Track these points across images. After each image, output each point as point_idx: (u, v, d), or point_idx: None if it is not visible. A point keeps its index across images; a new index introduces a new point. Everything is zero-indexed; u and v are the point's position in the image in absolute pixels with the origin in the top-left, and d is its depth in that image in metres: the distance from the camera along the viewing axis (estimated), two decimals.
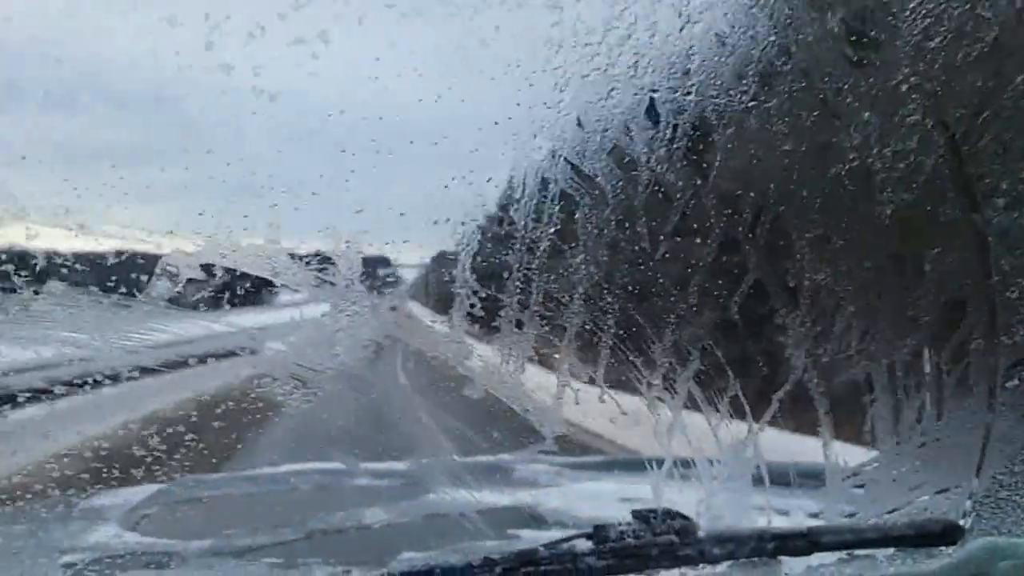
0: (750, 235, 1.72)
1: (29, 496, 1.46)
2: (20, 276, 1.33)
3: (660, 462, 1.72)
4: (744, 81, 1.58)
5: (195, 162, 1.31)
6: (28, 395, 1.45)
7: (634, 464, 3.08)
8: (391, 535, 2.01)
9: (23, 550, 1.43)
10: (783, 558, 1.40)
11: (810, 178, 1.72)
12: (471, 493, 1.84)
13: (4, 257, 1.31)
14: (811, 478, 1.94)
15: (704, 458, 1.78)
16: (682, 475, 1.74)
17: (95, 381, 1.39)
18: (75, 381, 1.39)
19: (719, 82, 1.58)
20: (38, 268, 1.34)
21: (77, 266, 1.36)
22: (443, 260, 1.67)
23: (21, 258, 1.32)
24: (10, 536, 1.44)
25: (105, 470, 1.51)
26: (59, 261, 1.35)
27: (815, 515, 1.91)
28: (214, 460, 2.09)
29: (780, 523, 1.72)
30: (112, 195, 1.29)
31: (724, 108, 1.59)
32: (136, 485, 2.05)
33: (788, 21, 1.57)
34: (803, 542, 1.41)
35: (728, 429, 1.83)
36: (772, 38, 1.56)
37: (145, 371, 1.43)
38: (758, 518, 1.70)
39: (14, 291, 1.34)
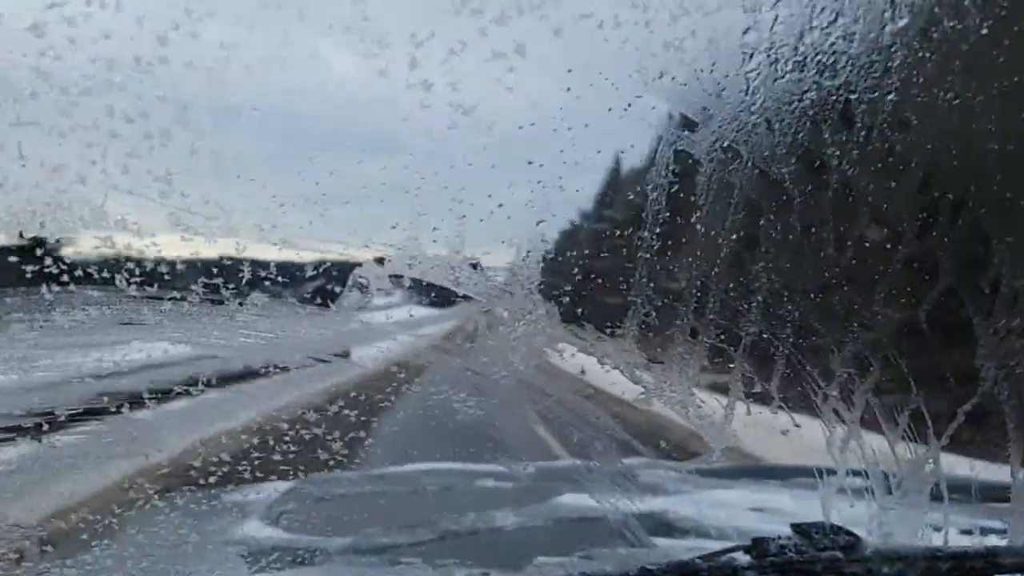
0: (944, 239, 1.61)
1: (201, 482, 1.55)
2: (228, 288, 1.39)
3: (831, 472, 1.65)
4: (948, 78, 1.46)
5: (392, 177, 1.33)
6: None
7: (760, 472, 2.99)
8: (523, 538, 2.01)
9: (187, 541, 1.50)
10: None
11: (1013, 178, 1.59)
12: (598, 498, 1.83)
13: (215, 271, 1.37)
14: (995, 497, 1.82)
15: (879, 470, 1.70)
16: (852, 488, 1.67)
17: None
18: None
19: (921, 79, 1.47)
20: (244, 280, 1.40)
21: (279, 278, 1.41)
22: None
23: (230, 270, 1.38)
24: (172, 526, 1.50)
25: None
26: (263, 274, 1.40)
27: (999, 534, 1.80)
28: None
29: (958, 543, 1.62)
30: (314, 211, 1.33)
31: (926, 106, 1.48)
32: (270, 481, 2.15)
33: (1001, 12, 1.44)
34: (983, 563, 1.33)
35: (907, 443, 1.74)
36: (983, 31, 1.43)
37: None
38: (933, 537, 1.62)
39: (222, 303, 1.40)
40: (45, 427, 1.36)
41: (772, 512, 2.19)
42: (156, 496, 1.47)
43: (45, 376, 1.39)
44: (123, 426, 1.45)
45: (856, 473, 1.65)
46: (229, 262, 1.37)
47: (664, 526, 1.95)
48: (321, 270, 1.42)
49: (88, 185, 1.21)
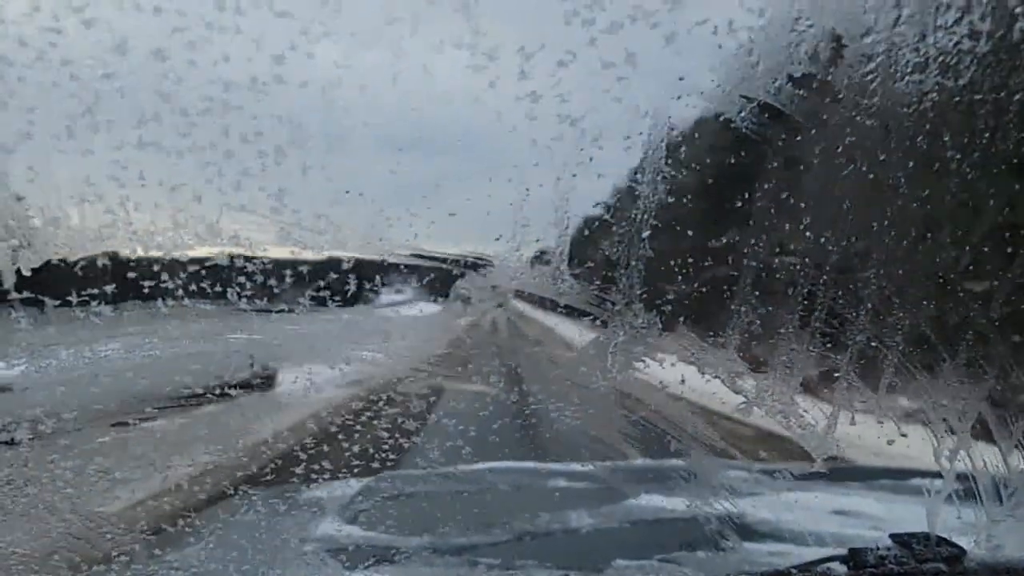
0: None
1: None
2: (334, 299, 1.40)
3: (935, 475, 1.58)
4: None
5: (497, 191, 1.32)
6: None
7: (841, 473, 2.90)
8: (600, 540, 2.00)
9: (265, 538, 1.53)
10: None
11: None
12: (674, 500, 1.80)
13: (321, 284, 1.39)
14: None
15: (989, 478, 1.63)
16: (959, 496, 1.60)
17: None
18: None
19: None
20: (349, 293, 1.41)
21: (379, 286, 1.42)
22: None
23: (335, 281, 1.40)
24: (249, 526, 1.53)
25: None
26: (368, 286, 1.42)
27: None
28: None
29: None
30: (419, 224, 1.33)
31: None
32: (344, 479, 2.18)
33: None
34: None
35: (1020, 453, 1.66)
36: None
37: None
38: None
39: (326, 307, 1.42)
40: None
41: (853, 515, 2.13)
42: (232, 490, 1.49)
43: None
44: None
45: (963, 478, 1.59)
46: (335, 275, 1.38)
47: (743, 528, 1.92)
48: (424, 280, 1.43)
49: (204, 203, 1.24)
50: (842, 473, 2.92)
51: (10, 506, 1.27)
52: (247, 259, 1.31)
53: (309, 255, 1.35)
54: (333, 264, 1.38)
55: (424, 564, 1.64)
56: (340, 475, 1.80)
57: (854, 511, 2.17)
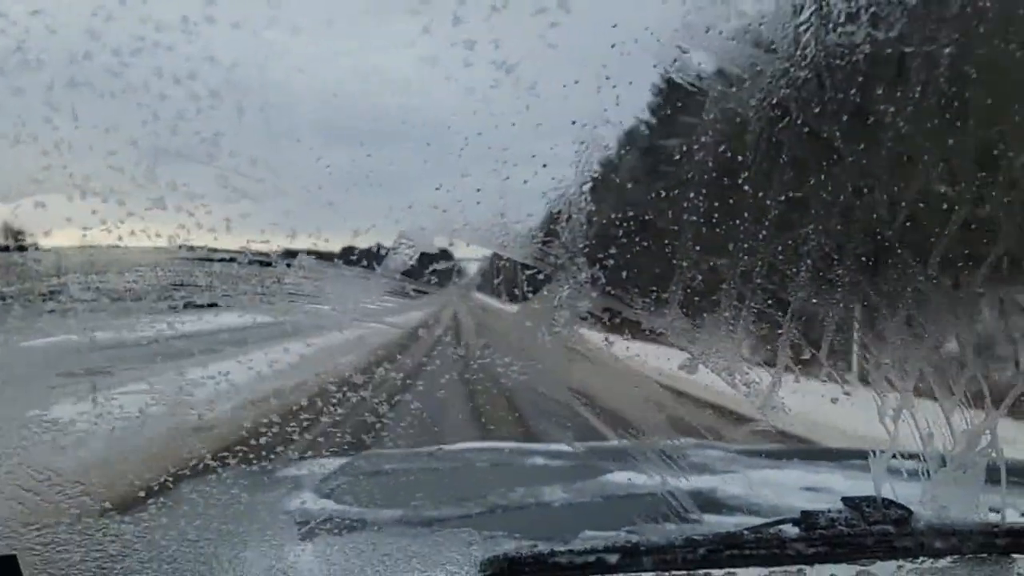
0: (1006, 199, 1.54)
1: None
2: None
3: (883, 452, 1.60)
4: (1011, 29, 1.39)
5: (437, 138, 1.32)
6: None
7: (813, 453, 2.93)
8: (571, 514, 2.02)
9: (239, 509, 1.53)
10: (1017, 556, 1.29)
11: None
12: (646, 476, 1.81)
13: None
14: None
15: (934, 445, 1.64)
16: (907, 469, 1.61)
17: None
18: None
19: (982, 30, 1.40)
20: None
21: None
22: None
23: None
24: (220, 497, 1.53)
25: None
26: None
27: None
28: None
29: (1016, 520, 1.56)
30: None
31: (987, 60, 1.42)
32: (322, 457, 2.18)
33: None
34: None
35: (963, 413, 1.68)
36: None
37: None
38: (990, 515, 1.56)
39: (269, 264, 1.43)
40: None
41: (823, 491, 2.15)
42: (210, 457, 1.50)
43: None
44: None
45: (911, 456, 1.60)
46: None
47: (712, 503, 1.94)
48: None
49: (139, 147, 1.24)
50: (814, 453, 2.94)
51: None
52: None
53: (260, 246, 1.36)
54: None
55: (395, 534, 1.65)
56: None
57: (825, 487, 2.20)
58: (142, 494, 1.45)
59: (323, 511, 1.86)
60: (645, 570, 1.23)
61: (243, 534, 1.45)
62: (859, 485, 1.84)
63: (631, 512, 1.62)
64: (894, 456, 1.58)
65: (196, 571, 1.29)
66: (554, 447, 2.79)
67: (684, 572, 1.24)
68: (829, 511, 1.32)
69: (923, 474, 1.59)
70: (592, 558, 1.21)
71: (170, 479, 1.49)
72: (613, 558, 1.21)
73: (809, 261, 1.58)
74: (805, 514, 1.30)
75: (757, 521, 1.48)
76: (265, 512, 1.70)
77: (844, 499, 1.37)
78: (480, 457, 3.03)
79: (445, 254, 1.57)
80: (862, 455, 2.38)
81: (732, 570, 1.25)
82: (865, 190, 1.53)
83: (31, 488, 1.29)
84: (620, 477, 2.21)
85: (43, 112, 1.17)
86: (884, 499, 1.36)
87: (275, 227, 1.37)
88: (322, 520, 1.68)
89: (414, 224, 1.40)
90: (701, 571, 1.24)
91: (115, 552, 1.31)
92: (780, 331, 1.66)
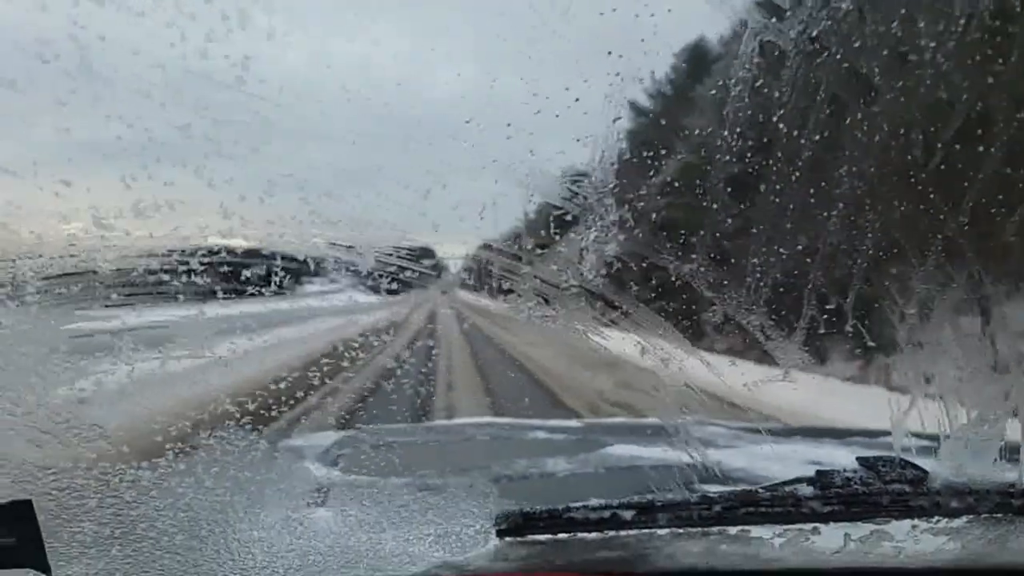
0: None
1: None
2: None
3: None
4: None
5: None
6: None
7: (818, 432, 2.94)
8: (575, 483, 2.03)
9: (268, 459, 1.52)
10: None
11: None
12: (650, 449, 1.81)
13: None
14: None
15: (953, 400, 1.62)
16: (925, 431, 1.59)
17: None
18: None
19: None
20: None
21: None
22: None
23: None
24: (250, 445, 1.51)
25: None
26: None
27: None
28: None
29: None
30: None
31: None
32: (322, 431, 2.17)
33: None
34: None
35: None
36: None
37: None
38: (1008, 475, 1.55)
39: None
40: None
41: (828, 466, 2.18)
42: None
43: None
44: None
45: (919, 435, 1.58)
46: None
47: (717, 476, 1.95)
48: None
49: None
50: (817, 431, 2.96)
51: None
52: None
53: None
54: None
55: (399, 502, 1.64)
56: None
57: (830, 462, 2.22)
58: (159, 439, 1.41)
59: (329, 479, 1.88)
60: (660, 527, 1.24)
61: (260, 483, 1.44)
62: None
63: (635, 482, 1.63)
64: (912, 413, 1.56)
65: (212, 519, 1.29)
66: (552, 423, 2.82)
67: (699, 529, 1.25)
68: (844, 470, 1.32)
69: (942, 435, 1.57)
70: (607, 514, 1.22)
71: (188, 424, 1.45)
72: (628, 514, 1.22)
73: (841, 205, 1.54)
74: (820, 473, 1.29)
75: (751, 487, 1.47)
76: (283, 460, 1.69)
77: (859, 458, 1.36)
78: (480, 431, 3.07)
79: (427, 252, 1.54)
80: (866, 433, 2.40)
81: (747, 527, 1.26)
82: (901, 131, 1.48)
83: (49, 431, 1.25)
84: (621, 450, 2.26)
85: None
86: (901, 459, 1.35)
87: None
88: (329, 487, 1.69)
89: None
90: (716, 528, 1.25)
91: (131, 499, 1.30)
92: (808, 280, 1.62)
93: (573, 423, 2.89)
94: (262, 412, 1.61)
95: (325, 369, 1.82)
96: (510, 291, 1.56)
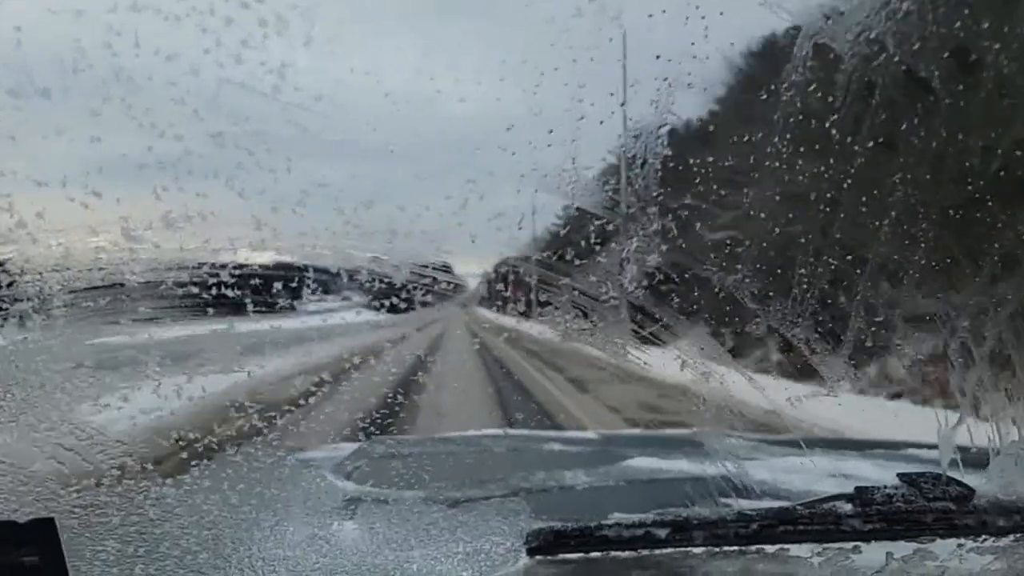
0: None
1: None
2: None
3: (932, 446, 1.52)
4: None
5: None
6: None
7: (834, 443, 2.88)
8: (596, 497, 1.99)
9: (295, 476, 1.52)
10: None
11: None
12: (671, 461, 1.75)
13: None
14: None
15: (1007, 416, 1.55)
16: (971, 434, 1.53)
17: None
18: None
19: None
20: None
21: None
22: None
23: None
24: (277, 462, 1.50)
25: None
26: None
27: None
28: None
29: None
30: None
31: None
32: (335, 443, 2.13)
33: None
34: None
35: None
36: None
37: None
38: None
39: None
40: None
41: (852, 478, 2.12)
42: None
43: None
44: None
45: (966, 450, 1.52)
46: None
47: (741, 488, 1.90)
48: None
49: None
50: (840, 443, 2.90)
51: None
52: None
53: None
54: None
55: (416, 514, 1.60)
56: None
57: (853, 475, 2.16)
58: (184, 455, 1.38)
59: (344, 491, 1.85)
60: (695, 545, 1.19)
61: (285, 499, 1.39)
62: (887, 473, 1.79)
63: (659, 495, 1.59)
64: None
65: (237, 537, 1.26)
66: (569, 434, 2.78)
67: (736, 548, 1.20)
68: (885, 487, 1.27)
69: (992, 450, 1.51)
70: (640, 532, 1.18)
71: (214, 440, 1.41)
72: (662, 532, 1.18)
73: (893, 214, 1.47)
74: (860, 490, 1.25)
75: (788, 504, 1.43)
76: (308, 476, 1.65)
77: (900, 475, 1.30)
78: (496, 443, 3.03)
79: (462, 264, 1.50)
80: (883, 444, 2.33)
81: (785, 546, 1.21)
82: (960, 137, 1.42)
83: (72, 447, 1.21)
84: (642, 463, 2.20)
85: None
86: (944, 476, 1.30)
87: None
88: (344, 498, 1.66)
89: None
90: (753, 547, 1.20)
91: (155, 516, 1.27)
92: (857, 291, 1.56)
93: (590, 435, 2.84)
94: (290, 428, 1.57)
95: (356, 383, 1.78)
96: (547, 303, 1.50)
